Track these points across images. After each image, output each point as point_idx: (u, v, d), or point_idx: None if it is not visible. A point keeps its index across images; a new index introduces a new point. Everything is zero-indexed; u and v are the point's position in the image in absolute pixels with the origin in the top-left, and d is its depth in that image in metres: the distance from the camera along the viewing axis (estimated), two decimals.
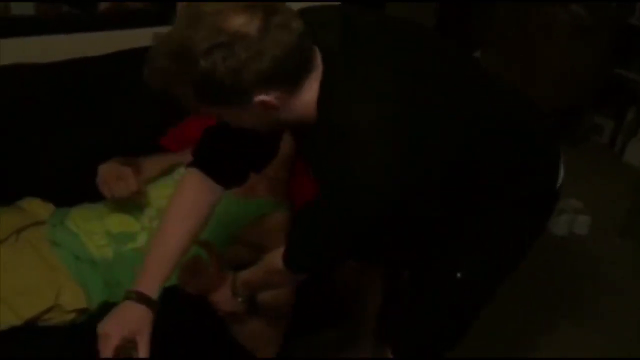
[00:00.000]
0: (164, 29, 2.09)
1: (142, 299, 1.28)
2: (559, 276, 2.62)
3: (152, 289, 1.30)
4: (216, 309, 1.57)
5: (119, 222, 1.69)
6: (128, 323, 1.25)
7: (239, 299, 1.51)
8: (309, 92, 1.11)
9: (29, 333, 1.49)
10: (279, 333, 1.71)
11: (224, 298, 1.54)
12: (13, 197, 1.81)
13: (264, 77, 1.03)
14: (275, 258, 1.32)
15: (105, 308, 1.58)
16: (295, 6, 1.14)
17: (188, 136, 1.99)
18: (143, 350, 1.25)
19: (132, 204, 1.73)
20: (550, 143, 1.44)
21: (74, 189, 1.87)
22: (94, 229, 1.68)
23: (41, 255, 1.60)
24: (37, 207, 1.79)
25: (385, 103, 1.10)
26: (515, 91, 1.41)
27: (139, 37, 2.13)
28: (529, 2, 3.30)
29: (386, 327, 1.65)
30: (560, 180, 1.41)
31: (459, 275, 1.39)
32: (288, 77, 1.07)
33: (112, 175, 1.69)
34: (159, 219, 1.69)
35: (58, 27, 2.04)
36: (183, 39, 1.03)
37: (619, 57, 3.55)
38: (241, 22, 1.01)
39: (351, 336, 1.99)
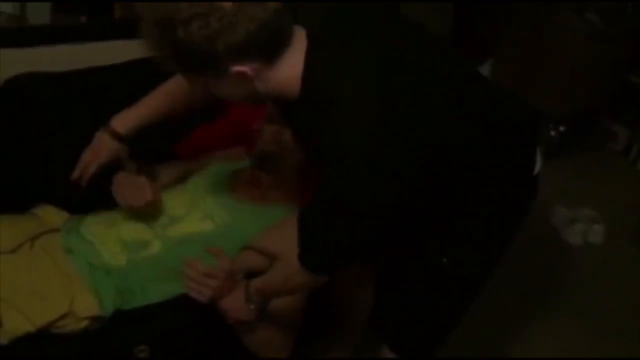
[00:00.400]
0: None
1: (113, 133, 1.61)
2: (574, 285, 2.60)
3: (123, 126, 1.61)
4: (226, 316, 1.57)
5: (132, 230, 1.70)
6: (103, 152, 1.61)
7: (252, 306, 1.50)
8: (289, 67, 1.17)
9: (42, 340, 1.50)
10: (289, 339, 1.71)
11: (236, 305, 1.53)
12: (28, 205, 1.83)
13: (237, 48, 1.10)
14: (291, 262, 1.32)
15: (118, 315, 1.60)
16: None
17: (201, 144, 2.00)
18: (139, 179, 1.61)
19: (146, 212, 1.74)
20: (527, 130, 1.47)
21: (88, 197, 1.88)
22: (108, 237, 1.69)
23: (55, 262, 1.61)
24: (51, 215, 1.80)
25: (369, 76, 1.16)
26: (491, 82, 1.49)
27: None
28: (544, 9, 3.29)
29: (378, 322, 1.65)
30: (537, 168, 1.44)
31: (444, 260, 1.42)
32: (262, 50, 1.14)
33: (127, 184, 1.69)
34: (173, 227, 1.70)
35: (74, 36, 2.05)
36: (167, 6, 1.10)
37: (634, 64, 3.52)
38: None
39: (337, 338, 1.98)
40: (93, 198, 1.87)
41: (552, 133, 3.46)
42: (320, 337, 2.00)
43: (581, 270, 2.70)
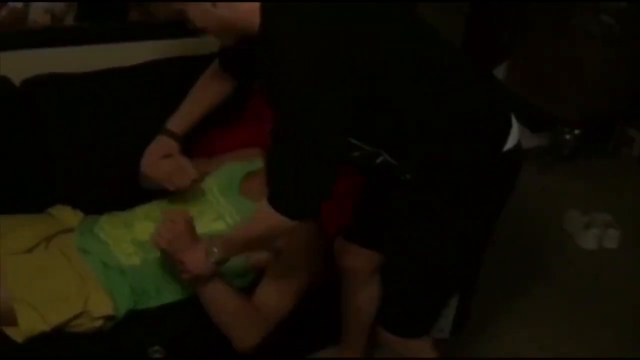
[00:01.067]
0: (193, 40, 2.15)
1: (170, 133, 1.72)
2: (588, 291, 2.58)
3: (179, 126, 1.72)
4: (182, 270, 1.54)
5: (146, 229, 1.71)
6: (160, 149, 1.71)
7: (211, 260, 1.49)
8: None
9: (56, 339, 1.51)
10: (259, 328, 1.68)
11: (194, 257, 1.51)
12: (44, 205, 1.84)
13: None
14: (258, 208, 1.39)
15: (132, 315, 1.60)
16: None
17: (217, 146, 2.01)
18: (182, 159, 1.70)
19: (189, 195, 1.77)
20: (498, 104, 1.47)
21: (103, 198, 1.89)
22: (122, 237, 1.70)
23: (70, 262, 1.62)
24: (67, 215, 1.81)
25: (320, 14, 1.24)
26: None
27: (169, 48, 2.16)
28: (560, 11, 3.27)
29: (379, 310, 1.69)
30: (509, 145, 1.42)
31: (418, 237, 1.47)
32: None
33: (172, 168, 1.71)
34: None
35: (93, 38, 2.07)
36: None
37: None
38: None
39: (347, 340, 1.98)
40: (107, 199, 1.89)
41: (567, 137, 3.44)
42: (331, 339, 2.00)
43: (596, 275, 2.68)
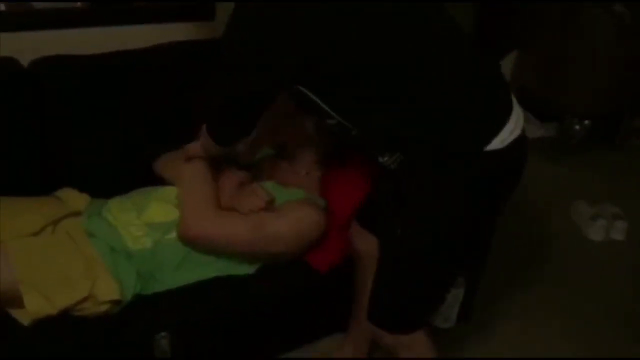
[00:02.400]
0: (200, 24, 2.14)
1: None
2: (595, 282, 2.57)
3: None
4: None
5: (160, 212, 1.71)
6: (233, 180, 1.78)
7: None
8: None
9: (63, 322, 1.51)
10: None
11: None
12: (51, 188, 1.84)
13: None
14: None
15: (139, 300, 1.60)
16: None
17: None
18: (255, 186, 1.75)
19: (172, 194, 1.76)
20: (490, 99, 1.37)
21: (111, 181, 1.89)
22: (131, 220, 1.69)
23: (77, 245, 1.62)
24: (74, 198, 1.81)
25: None
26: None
27: (176, 31, 2.14)
28: (570, 2, 3.24)
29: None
30: (497, 144, 1.31)
31: (398, 232, 1.42)
32: None
33: (235, 185, 1.77)
34: None
35: (101, 20, 2.06)
36: None
37: None
38: None
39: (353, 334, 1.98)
40: (115, 182, 1.88)
41: (576, 127, 3.41)
42: (336, 327, 2.01)
43: (602, 267, 2.68)
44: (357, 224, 1.78)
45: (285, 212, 1.68)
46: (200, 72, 1.93)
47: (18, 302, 1.49)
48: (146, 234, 1.67)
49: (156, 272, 1.65)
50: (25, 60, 1.88)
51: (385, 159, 1.42)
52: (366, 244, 1.74)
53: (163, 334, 1.19)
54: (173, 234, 1.68)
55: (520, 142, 1.36)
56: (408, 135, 1.34)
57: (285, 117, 1.81)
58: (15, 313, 1.51)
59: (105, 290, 1.56)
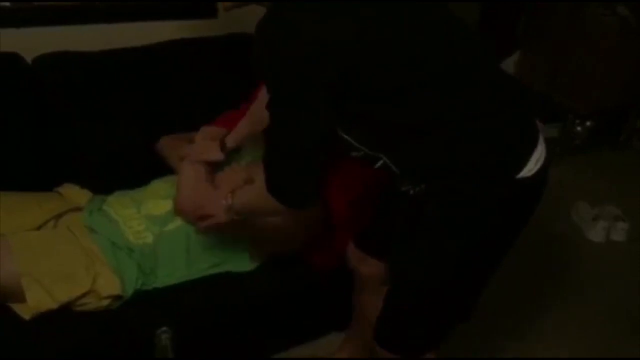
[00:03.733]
0: (207, 22, 2.15)
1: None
2: (595, 284, 2.57)
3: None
4: (202, 217, 1.57)
5: (159, 205, 1.73)
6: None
7: (226, 203, 1.50)
8: None
9: (64, 317, 1.52)
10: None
11: (214, 203, 1.54)
12: (52, 184, 1.85)
13: None
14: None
15: (140, 295, 1.61)
16: None
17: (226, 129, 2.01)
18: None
19: (168, 188, 1.78)
20: (521, 121, 1.34)
21: (111, 177, 1.90)
22: (132, 215, 1.71)
23: (79, 240, 1.63)
24: (75, 194, 1.82)
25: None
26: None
27: (183, 29, 2.15)
28: (574, 2, 3.24)
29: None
30: (526, 172, 1.28)
31: (416, 258, 1.38)
32: None
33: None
34: None
35: (104, 16, 2.07)
36: None
37: None
38: None
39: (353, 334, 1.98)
40: (116, 178, 1.89)
41: (579, 128, 3.42)
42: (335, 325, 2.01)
43: (603, 268, 2.68)
44: (356, 249, 1.72)
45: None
46: (202, 70, 1.94)
47: (19, 296, 1.50)
48: (147, 228, 1.68)
49: (157, 268, 1.66)
50: (29, 56, 1.89)
51: (407, 187, 1.40)
52: (369, 267, 1.70)
53: (164, 328, 1.20)
54: (170, 226, 1.70)
55: (542, 171, 1.33)
56: (440, 164, 1.30)
57: None
58: (16, 307, 1.51)
59: (106, 285, 1.57)
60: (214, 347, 1.70)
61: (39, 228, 1.66)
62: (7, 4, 1.94)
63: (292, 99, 1.21)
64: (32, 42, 1.92)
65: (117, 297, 1.59)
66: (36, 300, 1.49)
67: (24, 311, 1.50)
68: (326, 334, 2.03)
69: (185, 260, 1.69)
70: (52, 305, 1.51)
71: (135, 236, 1.67)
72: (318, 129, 1.24)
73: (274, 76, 1.20)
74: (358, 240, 1.72)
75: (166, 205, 1.74)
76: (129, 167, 1.94)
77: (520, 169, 1.28)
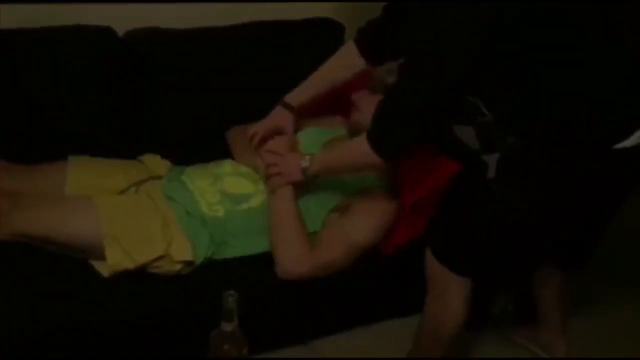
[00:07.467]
0: (292, 5, 2.16)
1: (286, 105, 1.85)
2: None
3: (295, 100, 1.85)
4: (275, 174, 1.71)
5: (235, 183, 1.79)
6: (274, 121, 1.85)
7: (302, 165, 1.66)
8: None
9: (139, 277, 1.60)
10: None
11: (289, 163, 1.70)
12: (135, 153, 1.94)
13: None
14: (359, 141, 1.51)
15: (210, 264, 1.67)
16: None
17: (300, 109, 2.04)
18: (285, 142, 1.80)
19: (250, 170, 1.84)
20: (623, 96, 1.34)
21: (192, 150, 1.97)
22: (208, 188, 1.77)
23: (157, 207, 1.70)
24: (156, 163, 1.91)
25: None
26: None
27: (268, 10, 2.19)
28: None
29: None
30: (626, 143, 1.32)
31: (494, 187, 1.45)
32: None
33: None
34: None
35: None
36: None
37: None
38: None
39: None
40: (196, 151, 1.96)
41: None
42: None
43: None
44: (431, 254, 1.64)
45: (365, 218, 1.74)
46: (286, 52, 1.97)
47: (100, 255, 1.58)
48: (219, 202, 1.74)
49: (229, 239, 1.72)
50: (120, 30, 1.97)
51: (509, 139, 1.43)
52: (439, 278, 1.62)
53: (231, 292, 1.24)
54: (244, 205, 1.75)
55: None
56: (550, 119, 1.36)
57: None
58: (97, 264, 1.59)
59: (179, 250, 1.63)
60: (274, 318, 1.73)
61: (121, 193, 1.75)
62: None
63: (445, 45, 1.30)
64: (125, 16, 1.99)
65: (189, 263, 1.64)
66: (115, 260, 1.56)
67: (103, 269, 1.58)
68: (388, 319, 2.01)
69: (252, 240, 1.73)
70: (130, 265, 1.57)
71: (208, 208, 1.73)
72: (452, 84, 1.34)
73: (433, 20, 1.30)
74: (436, 250, 1.60)
75: (242, 186, 1.80)
76: (209, 142, 2.01)
77: (622, 138, 1.32)
